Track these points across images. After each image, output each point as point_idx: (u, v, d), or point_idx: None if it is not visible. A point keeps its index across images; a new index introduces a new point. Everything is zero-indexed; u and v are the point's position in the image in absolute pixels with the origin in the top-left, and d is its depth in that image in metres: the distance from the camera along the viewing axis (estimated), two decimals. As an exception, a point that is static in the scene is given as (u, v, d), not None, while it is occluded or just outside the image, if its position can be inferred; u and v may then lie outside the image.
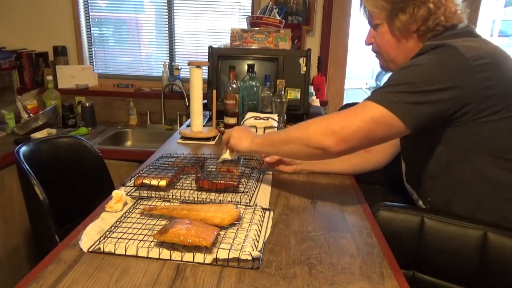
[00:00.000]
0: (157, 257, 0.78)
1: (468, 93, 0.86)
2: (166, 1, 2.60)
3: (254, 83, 1.75)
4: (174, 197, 1.06)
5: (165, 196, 1.06)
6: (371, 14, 1.06)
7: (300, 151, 0.98)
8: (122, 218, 0.94)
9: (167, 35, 2.67)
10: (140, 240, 0.83)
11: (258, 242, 0.84)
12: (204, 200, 1.05)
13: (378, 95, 0.91)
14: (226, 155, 1.23)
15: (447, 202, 0.98)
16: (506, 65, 0.89)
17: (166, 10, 2.62)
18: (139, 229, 0.89)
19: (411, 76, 0.89)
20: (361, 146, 0.93)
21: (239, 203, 1.04)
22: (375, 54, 1.12)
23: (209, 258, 0.77)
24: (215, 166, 1.24)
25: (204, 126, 1.71)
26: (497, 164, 0.90)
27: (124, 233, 0.87)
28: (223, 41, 2.47)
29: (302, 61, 1.87)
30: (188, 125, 1.78)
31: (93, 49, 2.74)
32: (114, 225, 0.90)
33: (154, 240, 0.82)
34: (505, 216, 0.91)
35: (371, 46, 1.11)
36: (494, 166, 0.90)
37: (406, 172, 1.12)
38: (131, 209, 0.99)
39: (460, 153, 0.93)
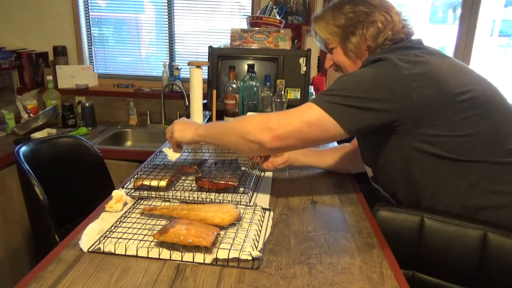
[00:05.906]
0: (157, 257, 0.78)
1: (402, 103, 0.89)
2: (166, 1, 2.60)
3: (254, 83, 1.75)
4: (174, 197, 1.06)
5: (165, 196, 1.06)
6: (325, 40, 1.12)
7: (238, 143, 1.00)
8: (122, 218, 0.94)
9: (167, 35, 2.67)
10: (140, 240, 0.84)
11: (258, 242, 0.84)
12: (204, 200, 1.05)
13: (315, 98, 0.95)
14: (173, 155, 1.20)
15: (413, 202, 1.00)
16: (442, 74, 0.92)
17: (166, 10, 2.62)
18: (139, 229, 0.89)
19: (344, 83, 0.94)
20: (297, 145, 0.97)
21: (239, 203, 1.04)
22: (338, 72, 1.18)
23: (209, 258, 0.77)
24: (215, 165, 1.24)
25: (204, 126, 1.71)
26: (444, 162, 0.93)
27: (124, 233, 0.87)
28: (223, 41, 2.47)
29: (302, 61, 1.87)
30: (188, 125, 1.78)
31: (93, 49, 2.74)
32: (114, 225, 0.90)
33: (154, 240, 0.82)
34: (463, 208, 0.93)
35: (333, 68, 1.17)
36: (442, 165, 0.93)
37: (373, 176, 1.13)
38: (131, 209, 0.99)
39: (411, 156, 0.95)
